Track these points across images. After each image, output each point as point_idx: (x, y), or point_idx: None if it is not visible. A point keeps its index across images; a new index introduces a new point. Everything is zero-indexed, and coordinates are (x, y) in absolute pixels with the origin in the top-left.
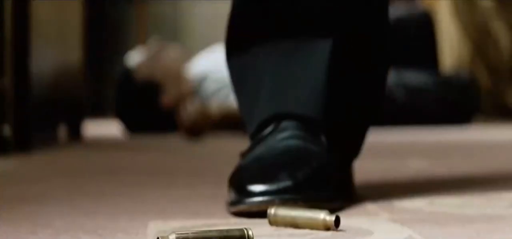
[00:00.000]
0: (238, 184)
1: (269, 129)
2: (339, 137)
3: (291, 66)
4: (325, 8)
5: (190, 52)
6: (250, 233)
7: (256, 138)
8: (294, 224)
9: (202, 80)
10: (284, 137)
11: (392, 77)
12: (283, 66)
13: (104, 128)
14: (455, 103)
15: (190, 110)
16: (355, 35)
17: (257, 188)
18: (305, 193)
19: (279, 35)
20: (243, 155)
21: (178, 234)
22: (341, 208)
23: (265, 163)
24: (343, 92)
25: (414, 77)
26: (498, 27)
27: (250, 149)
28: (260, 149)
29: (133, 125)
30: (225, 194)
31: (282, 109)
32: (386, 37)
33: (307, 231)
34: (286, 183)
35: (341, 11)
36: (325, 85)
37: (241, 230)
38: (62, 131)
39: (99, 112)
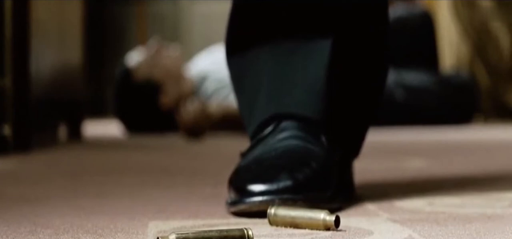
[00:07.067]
0: (238, 184)
1: (269, 129)
2: (339, 136)
3: (291, 66)
4: (325, 7)
5: (190, 52)
6: (250, 233)
7: (256, 138)
8: (294, 224)
9: (202, 80)
10: (284, 137)
11: (392, 77)
12: (283, 66)
13: (104, 128)
14: (455, 103)
15: (190, 110)
16: (354, 34)
17: (257, 187)
18: (305, 193)
19: (279, 35)
20: (243, 155)
21: (178, 234)
22: (341, 208)
23: (265, 163)
24: (343, 91)
25: (414, 77)
26: (498, 27)
27: (250, 149)
28: (260, 149)
29: (133, 125)
30: (225, 194)
31: (282, 109)
32: (386, 35)
33: (307, 231)
34: (286, 183)
35: (341, 10)
36: (325, 85)
37: (241, 230)
38: (62, 131)
39: (99, 112)
